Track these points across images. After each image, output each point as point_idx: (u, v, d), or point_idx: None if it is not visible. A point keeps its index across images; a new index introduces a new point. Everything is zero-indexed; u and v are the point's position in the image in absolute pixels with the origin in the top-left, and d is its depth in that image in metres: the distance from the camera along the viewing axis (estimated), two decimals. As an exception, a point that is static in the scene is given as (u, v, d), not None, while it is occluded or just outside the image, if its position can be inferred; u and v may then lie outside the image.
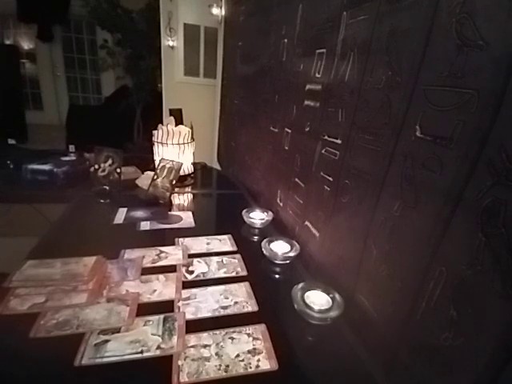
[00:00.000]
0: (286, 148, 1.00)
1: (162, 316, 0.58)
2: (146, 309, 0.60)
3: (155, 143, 1.27)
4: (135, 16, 3.82)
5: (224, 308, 0.62)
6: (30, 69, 5.10)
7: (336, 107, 0.70)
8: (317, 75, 0.79)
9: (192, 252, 0.81)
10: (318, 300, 0.62)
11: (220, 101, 2.22)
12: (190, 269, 0.74)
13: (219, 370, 0.48)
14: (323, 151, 0.76)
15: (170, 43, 2.67)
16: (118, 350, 0.50)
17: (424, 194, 0.45)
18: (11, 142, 1.81)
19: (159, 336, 0.53)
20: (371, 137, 0.57)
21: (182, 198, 1.23)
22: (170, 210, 1.08)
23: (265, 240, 0.83)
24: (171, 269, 0.73)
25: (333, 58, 0.71)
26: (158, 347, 0.51)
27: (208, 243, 0.86)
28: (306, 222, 0.86)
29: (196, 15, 2.63)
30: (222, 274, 0.73)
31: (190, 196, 1.28)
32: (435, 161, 0.43)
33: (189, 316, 0.59)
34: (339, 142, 0.69)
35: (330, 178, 0.73)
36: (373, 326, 0.56)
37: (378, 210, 0.56)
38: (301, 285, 0.65)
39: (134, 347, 0.51)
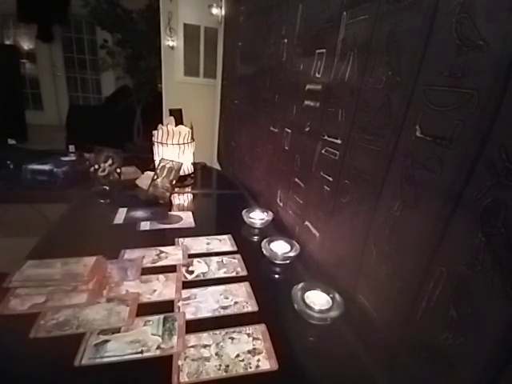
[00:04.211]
0: (286, 148, 1.00)
1: (161, 316, 0.58)
2: (146, 309, 0.60)
3: (155, 143, 1.27)
4: (135, 16, 3.83)
5: (224, 308, 0.62)
6: (30, 69, 5.10)
7: (336, 107, 0.70)
8: (317, 75, 0.79)
9: (192, 252, 0.81)
10: (318, 300, 0.62)
11: (220, 101, 2.22)
12: (190, 269, 0.74)
13: (219, 370, 0.48)
14: (323, 151, 0.76)
15: (170, 43, 2.67)
16: (118, 349, 0.50)
17: (424, 194, 0.45)
18: (11, 142, 1.81)
19: (159, 336, 0.53)
20: (371, 137, 0.57)
21: (182, 198, 1.23)
22: (170, 210, 1.08)
23: (265, 240, 0.83)
24: (171, 269, 0.73)
25: (333, 58, 0.71)
26: (158, 347, 0.51)
27: (208, 243, 0.86)
28: (306, 222, 0.86)
29: (196, 15, 2.63)
30: (222, 274, 0.73)
31: (190, 196, 1.28)
32: (435, 161, 0.43)
33: (189, 316, 0.59)
34: (339, 142, 0.69)
35: (330, 178, 0.73)
36: (373, 326, 0.56)
37: (377, 210, 0.56)
38: (301, 285, 0.65)
39: (134, 347, 0.51)
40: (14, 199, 1.17)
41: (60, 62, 5.17)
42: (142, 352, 0.50)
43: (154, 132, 1.27)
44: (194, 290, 0.66)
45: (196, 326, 0.56)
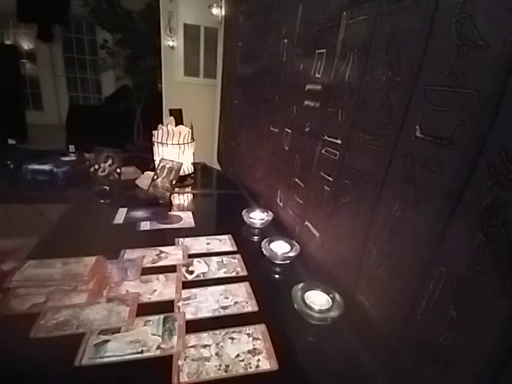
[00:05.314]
0: (286, 148, 1.00)
1: (162, 316, 0.58)
2: (145, 309, 0.60)
3: (155, 143, 1.27)
4: (135, 16, 3.82)
5: (224, 308, 0.62)
6: (30, 69, 5.11)
7: (336, 107, 0.70)
8: (317, 75, 0.79)
9: (192, 252, 0.81)
10: (318, 300, 0.62)
11: (220, 101, 2.22)
12: (190, 269, 0.74)
13: (219, 370, 0.48)
14: (323, 151, 0.76)
15: (170, 43, 2.67)
16: (118, 350, 0.50)
17: (424, 194, 0.45)
18: (11, 142, 1.80)
19: (159, 336, 0.53)
20: (371, 137, 0.57)
21: (182, 198, 1.23)
22: (170, 210, 1.08)
23: (265, 240, 0.83)
24: (171, 269, 0.73)
25: (333, 58, 0.71)
26: (158, 347, 0.51)
27: (208, 243, 0.86)
28: (306, 222, 0.86)
29: (196, 15, 2.63)
30: (222, 274, 0.73)
31: (190, 196, 1.28)
32: (435, 161, 0.43)
33: (189, 316, 0.59)
34: (339, 142, 0.69)
35: (330, 178, 0.73)
36: (373, 326, 0.56)
37: (377, 210, 0.56)
38: (301, 285, 0.65)
39: (134, 347, 0.51)
40: (14, 199, 1.17)
41: (60, 62, 5.17)
42: (142, 352, 0.50)
43: (154, 132, 1.27)
44: (194, 290, 0.66)
45: (196, 326, 0.56)
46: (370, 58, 0.58)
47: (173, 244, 0.84)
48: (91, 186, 1.16)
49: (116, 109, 4.01)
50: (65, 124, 4.04)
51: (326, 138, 0.75)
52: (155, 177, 1.15)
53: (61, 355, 0.50)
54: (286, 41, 0.99)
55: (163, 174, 1.15)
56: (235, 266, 0.76)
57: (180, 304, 0.62)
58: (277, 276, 0.77)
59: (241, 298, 0.65)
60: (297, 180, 0.92)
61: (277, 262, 0.79)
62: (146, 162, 1.37)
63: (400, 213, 0.50)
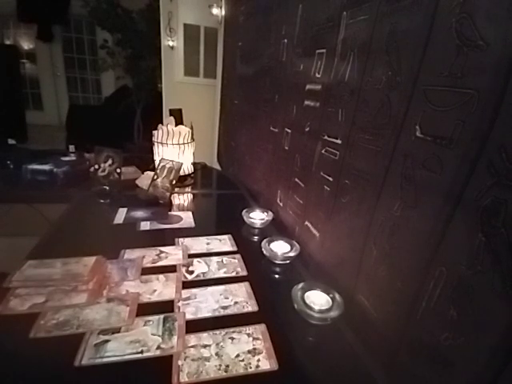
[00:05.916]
0: (286, 148, 1.00)
1: (161, 316, 0.58)
2: (146, 309, 0.60)
3: (155, 143, 1.27)
4: (135, 16, 3.82)
5: (224, 308, 0.62)
6: (30, 69, 5.11)
7: (336, 107, 0.70)
8: (317, 75, 0.79)
9: (192, 252, 0.81)
10: (318, 300, 0.62)
11: (220, 101, 2.22)
12: (190, 269, 0.74)
13: (219, 370, 0.48)
14: (323, 151, 0.76)
15: (170, 43, 2.67)
16: (118, 350, 0.50)
17: (424, 194, 0.45)
18: (11, 142, 1.80)
19: (159, 336, 0.53)
20: (371, 137, 0.57)
21: (182, 198, 1.23)
22: (170, 210, 1.08)
23: (265, 240, 0.83)
24: (171, 269, 0.73)
25: (333, 58, 0.71)
26: (158, 347, 0.51)
27: (208, 243, 0.86)
28: (306, 222, 0.86)
29: (196, 15, 2.63)
30: (221, 274, 0.73)
31: (190, 196, 1.28)
32: (435, 161, 0.43)
33: (189, 316, 0.59)
34: (339, 141, 0.69)
35: (330, 178, 0.73)
36: (373, 326, 0.56)
37: (377, 210, 0.56)
38: (301, 285, 0.65)
39: (134, 347, 0.51)
40: (14, 199, 1.17)
41: (60, 62, 5.17)
42: (142, 352, 0.50)
43: (154, 132, 1.27)
44: (194, 290, 0.66)
45: (196, 326, 0.56)
46: (369, 58, 0.58)
47: (173, 244, 0.84)
48: (91, 186, 1.16)
49: (116, 109, 4.01)
50: (65, 124, 4.04)
51: (326, 137, 0.75)
52: (155, 177, 1.15)
53: (61, 355, 0.50)
54: (285, 41, 0.99)
55: (163, 174, 1.15)
56: (235, 266, 0.76)
57: (180, 304, 0.62)
58: (277, 276, 0.77)
59: (241, 298, 0.65)
60: (297, 180, 0.92)
61: (277, 261, 0.79)
62: (146, 162, 1.37)
63: (400, 213, 0.50)
